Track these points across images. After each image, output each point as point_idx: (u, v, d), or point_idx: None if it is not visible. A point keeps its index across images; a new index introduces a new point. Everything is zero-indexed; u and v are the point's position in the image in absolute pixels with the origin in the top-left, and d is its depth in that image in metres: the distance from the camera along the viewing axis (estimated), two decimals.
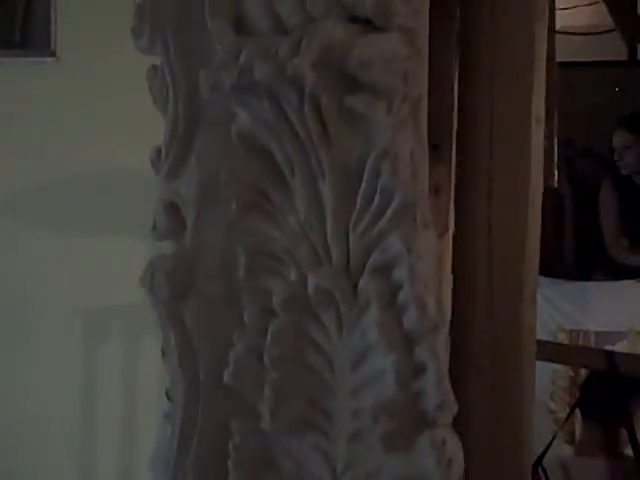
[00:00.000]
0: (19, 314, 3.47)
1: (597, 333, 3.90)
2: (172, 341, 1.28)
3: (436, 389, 1.06)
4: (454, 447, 1.06)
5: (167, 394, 1.34)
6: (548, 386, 3.75)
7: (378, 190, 1.08)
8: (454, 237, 1.27)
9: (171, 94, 1.27)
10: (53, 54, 3.29)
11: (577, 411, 2.97)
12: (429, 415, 1.07)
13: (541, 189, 1.32)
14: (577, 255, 4.43)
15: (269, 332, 1.19)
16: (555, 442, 2.94)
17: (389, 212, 1.07)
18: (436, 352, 1.06)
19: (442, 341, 1.06)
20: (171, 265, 1.27)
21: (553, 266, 4.02)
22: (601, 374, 2.60)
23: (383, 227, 1.09)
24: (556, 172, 4.47)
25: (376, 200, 1.08)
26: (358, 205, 1.10)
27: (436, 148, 1.25)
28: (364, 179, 1.09)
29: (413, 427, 1.07)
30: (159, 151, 1.31)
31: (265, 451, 1.20)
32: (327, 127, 1.09)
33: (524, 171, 1.28)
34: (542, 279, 3.79)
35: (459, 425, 1.10)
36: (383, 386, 1.09)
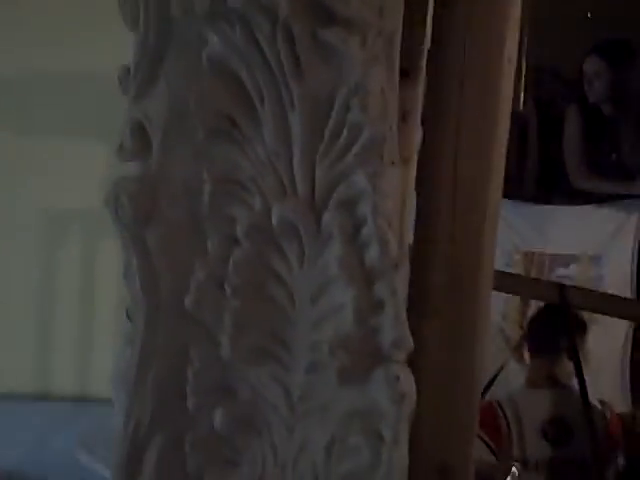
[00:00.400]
0: None
1: (551, 256, 3.95)
2: (134, 264, 1.28)
3: (393, 326, 1.07)
4: (407, 383, 1.08)
5: (127, 314, 1.34)
6: (500, 306, 3.81)
7: (346, 125, 1.07)
8: (419, 161, 1.27)
9: (142, 13, 1.23)
10: None
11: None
12: (384, 351, 1.08)
13: (507, 125, 1.32)
14: (538, 178, 4.45)
15: (231, 260, 1.19)
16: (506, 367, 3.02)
17: (356, 148, 1.07)
18: (395, 289, 1.07)
19: (402, 279, 1.08)
20: (135, 187, 1.26)
21: (514, 188, 4.04)
22: (549, 309, 2.65)
23: (349, 162, 1.08)
24: (522, 94, 4.46)
25: (344, 135, 1.08)
26: (326, 138, 1.09)
27: (405, 74, 1.24)
28: (333, 113, 1.08)
29: (368, 362, 1.09)
30: (127, 70, 1.29)
31: (223, 378, 1.21)
32: (299, 58, 1.07)
33: (492, 106, 1.28)
34: (502, 200, 3.81)
35: (414, 362, 1.12)
36: (341, 320, 1.10)
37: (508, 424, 2.56)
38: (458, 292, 1.20)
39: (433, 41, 1.31)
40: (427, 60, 1.31)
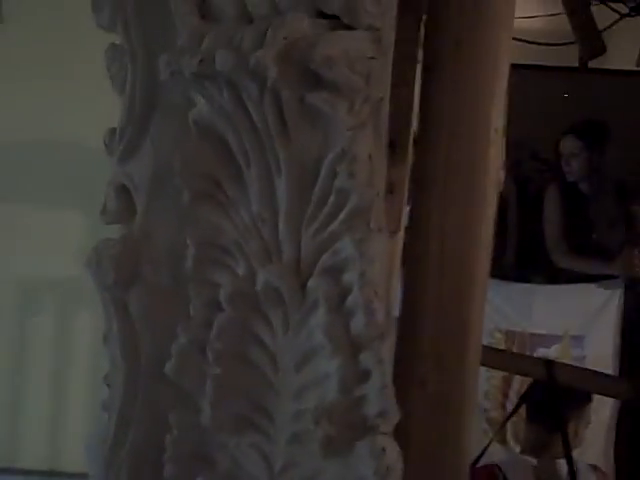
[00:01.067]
0: None
1: (533, 335, 3.93)
2: (115, 327, 1.25)
3: (379, 396, 1.05)
4: (393, 455, 1.05)
5: (106, 380, 1.31)
6: (482, 384, 3.78)
7: (333, 191, 1.06)
8: (407, 235, 1.27)
9: (129, 75, 1.23)
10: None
11: (516, 413, 3.01)
12: (370, 422, 1.06)
13: (495, 198, 1.32)
14: (518, 257, 4.46)
15: (214, 326, 1.17)
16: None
17: (343, 214, 1.06)
18: (381, 359, 1.05)
19: (388, 349, 1.06)
20: (118, 250, 1.24)
21: (493, 266, 4.06)
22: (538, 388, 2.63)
23: (336, 229, 1.07)
24: (502, 173, 4.50)
25: (331, 201, 1.07)
26: (312, 204, 1.08)
27: (393, 146, 1.24)
28: (320, 179, 1.07)
29: (353, 433, 1.06)
30: (113, 132, 1.28)
31: (202, 447, 1.18)
32: (286, 122, 1.07)
33: (480, 179, 1.28)
34: None
35: (401, 435, 1.10)
36: (326, 390, 1.08)
37: None
38: (446, 362, 1.18)
39: (421, 112, 1.31)
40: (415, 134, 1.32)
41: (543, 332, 3.92)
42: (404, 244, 1.28)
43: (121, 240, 1.26)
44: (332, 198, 1.07)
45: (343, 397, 1.06)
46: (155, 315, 1.23)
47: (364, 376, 1.06)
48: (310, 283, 1.10)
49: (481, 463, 2.56)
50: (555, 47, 4.79)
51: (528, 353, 3.86)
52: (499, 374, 3.86)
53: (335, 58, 1.02)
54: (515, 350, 3.91)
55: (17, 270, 3.37)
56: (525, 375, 2.80)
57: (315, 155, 1.08)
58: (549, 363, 2.37)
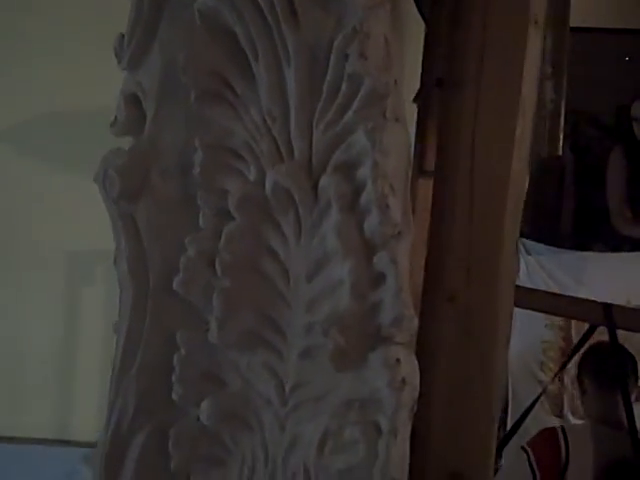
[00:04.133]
0: (9, 250, 3.39)
1: None
2: (122, 243, 1.18)
3: (394, 301, 0.94)
4: (409, 367, 0.94)
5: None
6: (538, 356, 3.65)
7: (345, 77, 0.96)
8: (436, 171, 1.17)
9: None
10: None
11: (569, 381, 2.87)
12: (384, 330, 0.95)
13: (525, 171, 1.20)
14: (576, 224, 4.32)
15: (223, 235, 1.08)
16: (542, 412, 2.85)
17: (356, 103, 0.96)
18: (397, 261, 0.95)
19: (405, 249, 0.95)
20: (125, 160, 1.17)
21: (551, 234, 3.91)
22: (599, 346, 2.49)
23: (349, 120, 0.97)
24: (561, 140, 4.36)
25: (343, 89, 0.96)
26: (324, 95, 0.98)
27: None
28: (330, 63, 0.97)
29: (366, 343, 0.96)
30: (122, 38, 1.21)
31: (211, 366, 1.09)
32: (295, 5, 0.97)
33: (508, 146, 1.15)
34: (540, 246, 3.67)
35: (427, 354, 1.00)
36: (339, 299, 0.98)
37: (568, 454, 2.39)
38: (477, 275, 1.08)
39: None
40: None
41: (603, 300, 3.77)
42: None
43: (129, 150, 1.18)
44: (344, 85, 0.97)
45: (355, 304, 0.96)
46: (164, 228, 1.15)
47: (378, 280, 0.96)
48: (322, 182, 1.01)
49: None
50: (615, 7, 4.62)
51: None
52: (555, 345, 3.73)
53: None
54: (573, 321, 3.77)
55: (67, 241, 3.34)
56: (582, 320, 2.66)
57: (327, 40, 0.98)
58: (608, 306, 2.23)
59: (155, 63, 1.16)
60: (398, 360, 0.95)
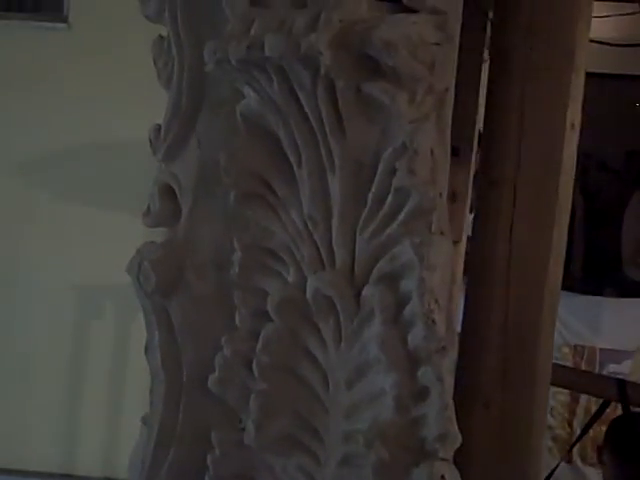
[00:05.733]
0: (19, 284, 3.38)
1: (602, 350, 3.78)
2: (156, 337, 1.17)
3: (438, 417, 0.94)
4: None
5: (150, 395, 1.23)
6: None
7: (392, 190, 0.96)
8: (471, 242, 1.16)
9: (176, 68, 1.15)
10: (65, 20, 3.20)
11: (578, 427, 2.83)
12: (428, 445, 0.95)
13: (569, 201, 1.20)
14: (586, 268, 4.32)
15: (261, 337, 1.07)
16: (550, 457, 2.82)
17: (402, 216, 0.96)
18: (442, 376, 0.94)
19: (449, 364, 0.95)
20: (160, 255, 1.16)
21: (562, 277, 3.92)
22: (619, 420, 2.47)
23: (394, 231, 0.97)
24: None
25: (389, 201, 0.97)
26: (369, 205, 0.98)
27: (456, 151, 1.14)
28: (377, 176, 0.97)
29: (409, 457, 0.95)
30: (158, 129, 1.21)
31: (246, 468, 1.09)
32: (341, 114, 0.97)
33: (553, 180, 1.16)
34: None
35: (462, 460, 0.99)
36: (380, 409, 0.98)
37: None
38: (512, 381, 1.07)
39: (487, 109, 1.21)
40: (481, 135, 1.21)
41: (614, 347, 3.76)
42: (467, 252, 1.18)
43: (164, 244, 1.17)
44: (390, 198, 0.97)
45: (399, 417, 0.96)
46: (198, 325, 1.14)
47: (422, 394, 0.96)
48: (365, 291, 1.00)
49: None
50: (627, 54, 4.62)
51: (597, 369, 3.70)
52: (565, 390, 3.71)
53: (395, 43, 0.92)
54: (584, 365, 3.76)
55: (77, 274, 3.33)
56: (596, 396, 2.65)
57: (372, 150, 0.98)
58: (622, 382, 2.22)
59: (192, 157, 1.16)
60: (443, 477, 0.94)
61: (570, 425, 3.62)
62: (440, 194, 0.96)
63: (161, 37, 1.21)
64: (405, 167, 0.94)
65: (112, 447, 3.31)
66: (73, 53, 3.23)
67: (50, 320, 3.38)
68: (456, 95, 1.01)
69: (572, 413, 3.65)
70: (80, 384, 3.39)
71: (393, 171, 0.96)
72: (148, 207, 1.23)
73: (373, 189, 0.98)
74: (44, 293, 3.35)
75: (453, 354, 0.96)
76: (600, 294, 4.05)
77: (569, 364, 3.73)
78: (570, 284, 4.11)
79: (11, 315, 3.42)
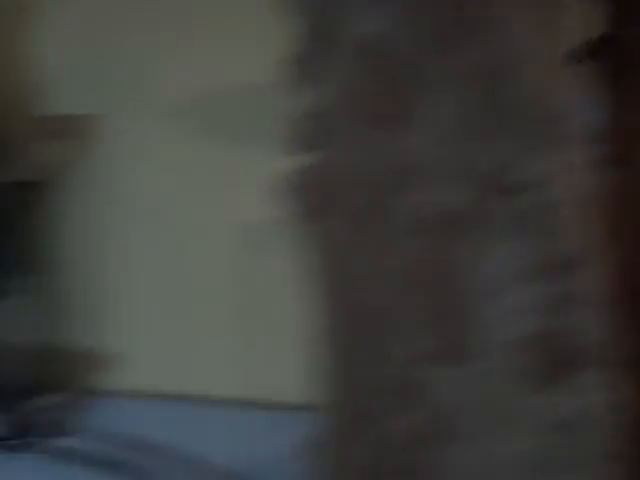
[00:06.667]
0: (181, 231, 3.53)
1: None
2: (309, 260, 1.20)
3: (584, 325, 0.91)
4: (609, 391, 0.91)
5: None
6: None
7: (522, 99, 0.93)
8: None
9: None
10: None
11: None
12: (576, 354, 0.93)
13: None
14: None
15: (409, 255, 1.08)
16: None
17: (533, 125, 0.93)
18: (586, 283, 0.91)
19: (594, 272, 0.91)
20: (309, 179, 1.19)
21: None
22: None
23: (527, 142, 0.94)
24: None
25: (520, 111, 0.93)
26: (501, 116, 0.95)
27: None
28: (504, 85, 0.94)
29: (559, 367, 0.94)
30: (297, 57, 1.22)
31: (411, 379, 1.10)
32: (465, 23, 0.94)
33: None
34: None
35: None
36: (527, 319, 0.96)
37: None
38: None
39: None
40: None
41: None
42: None
43: (312, 169, 1.20)
44: (521, 107, 0.93)
45: (546, 326, 0.94)
46: (351, 244, 1.16)
47: (570, 303, 0.93)
48: (508, 202, 0.98)
49: None
50: None
51: None
52: None
53: None
54: None
55: (234, 218, 3.43)
56: None
57: (499, 60, 0.94)
58: None
59: (331, 81, 1.16)
60: (593, 383, 0.91)
61: None
62: (571, 102, 0.92)
63: None
64: (530, 74, 0.90)
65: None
66: None
67: (212, 261, 3.50)
68: None
69: None
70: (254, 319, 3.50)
71: (519, 78, 0.91)
72: (293, 133, 1.25)
73: (503, 98, 0.94)
74: (204, 230, 3.47)
75: (607, 257, 0.92)
76: None
77: None
78: None
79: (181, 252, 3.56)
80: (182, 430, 3.38)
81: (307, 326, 1.24)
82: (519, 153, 0.95)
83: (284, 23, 1.17)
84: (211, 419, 3.46)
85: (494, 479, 1.00)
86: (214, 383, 3.60)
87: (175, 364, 3.71)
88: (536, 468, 0.99)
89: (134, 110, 3.51)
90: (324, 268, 1.19)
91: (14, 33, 3.64)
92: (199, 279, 3.58)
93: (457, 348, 1.06)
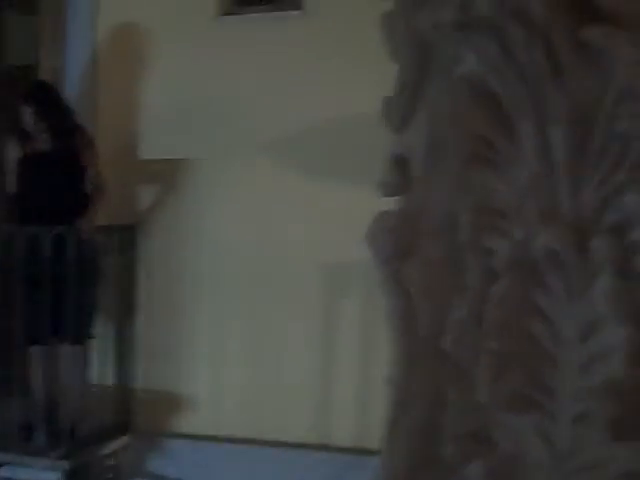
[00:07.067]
0: (265, 263, 3.55)
1: None
2: (393, 302, 1.21)
3: None
4: None
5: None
6: None
7: (615, 136, 0.93)
8: None
9: (401, 39, 1.19)
10: (299, 7, 3.36)
11: None
12: None
13: None
14: None
15: (490, 296, 1.08)
16: None
17: (627, 163, 0.93)
18: None
19: None
20: (395, 222, 1.20)
21: None
22: None
23: (620, 180, 0.94)
24: None
25: (612, 149, 0.94)
26: (592, 154, 0.96)
27: None
28: (599, 123, 0.94)
29: None
30: (389, 101, 1.24)
31: (481, 426, 1.09)
32: (559, 63, 0.95)
33: None
34: None
35: None
36: (613, 364, 0.95)
37: None
38: None
39: None
40: None
41: None
42: None
43: (398, 212, 1.21)
44: (614, 145, 0.94)
45: (632, 372, 0.93)
46: (431, 288, 1.16)
47: None
48: (593, 244, 0.97)
49: None
50: None
51: None
52: None
53: None
54: None
55: (321, 254, 3.44)
56: None
57: (594, 98, 0.95)
58: None
59: (422, 126, 1.18)
60: None
61: None
62: None
63: (387, 12, 1.25)
64: (627, 112, 0.91)
65: (364, 420, 3.35)
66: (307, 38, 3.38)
67: (299, 299, 3.51)
68: None
69: None
70: (331, 358, 3.49)
71: (615, 117, 0.92)
72: (384, 179, 1.27)
73: (595, 137, 0.95)
74: (292, 272, 3.49)
75: None
76: None
77: None
78: None
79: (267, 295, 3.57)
80: (253, 475, 3.39)
81: (387, 370, 1.25)
82: (614, 192, 0.95)
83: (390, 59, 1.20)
84: (284, 463, 3.47)
85: None
86: (286, 428, 3.61)
87: (249, 409, 3.73)
88: None
89: (226, 154, 3.61)
90: (402, 313, 1.20)
91: (132, 82, 3.79)
92: (280, 327, 3.62)
93: (535, 394, 1.05)
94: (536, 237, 1.02)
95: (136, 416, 3.68)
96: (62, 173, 3.35)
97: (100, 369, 3.66)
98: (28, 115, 3.28)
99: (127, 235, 3.63)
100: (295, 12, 3.40)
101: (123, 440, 3.61)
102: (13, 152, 3.39)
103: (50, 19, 3.77)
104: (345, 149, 3.33)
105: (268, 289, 3.55)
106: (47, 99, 3.34)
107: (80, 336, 3.36)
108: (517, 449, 1.06)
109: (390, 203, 1.29)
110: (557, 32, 0.94)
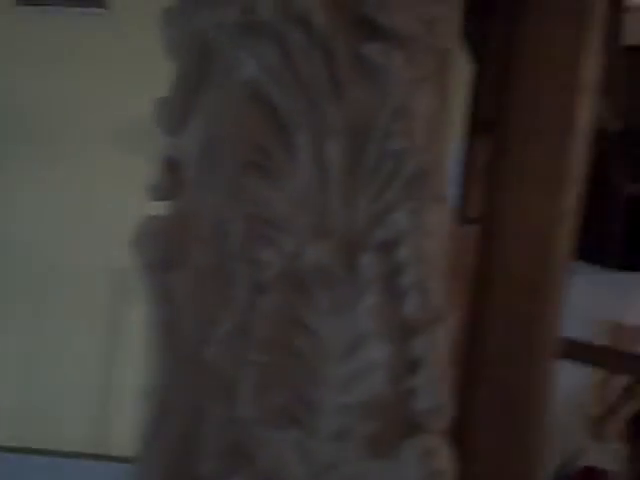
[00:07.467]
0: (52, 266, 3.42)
1: (635, 328, 3.68)
2: (155, 309, 1.15)
3: (430, 388, 0.91)
4: (444, 458, 0.91)
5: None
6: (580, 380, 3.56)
7: (388, 154, 0.94)
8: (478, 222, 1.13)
9: (179, 37, 1.14)
10: (102, 5, 3.26)
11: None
12: (419, 418, 0.92)
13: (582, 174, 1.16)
14: (629, 243, 4.20)
15: (257, 309, 1.05)
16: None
17: (398, 181, 0.93)
18: (436, 345, 0.91)
19: (444, 334, 0.92)
20: (161, 227, 1.15)
21: (597, 253, 3.81)
22: None
23: (390, 198, 0.94)
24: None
25: (385, 166, 0.94)
26: (365, 171, 0.96)
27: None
28: (373, 140, 0.95)
29: (400, 431, 0.92)
30: (163, 102, 1.19)
31: (242, 442, 1.06)
32: (338, 77, 0.95)
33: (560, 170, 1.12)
34: (584, 266, 3.52)
35: (466, 441, 0.96)
36: (374, 381, 0.95)
37: None
38: (513, 358, 1.03)
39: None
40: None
41: None
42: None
43: (166, 217, 1.16)
44: (386, 162, 0.94)
45: (391, 389, 0.93)
46: (199, 298, 1.12)
47: (416, 365, 0.93)
48: (362, 260, 0.97)
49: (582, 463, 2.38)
50: None
51: (634, 347, 3.60)
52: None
53: (391, 1, 0.90)
54: (619, 344, 3.65)
55: (110, 260, 3.36)
56: (628, 373, 2.58)
57: (370, 115, 0.95)
58: None
59: (198, 128, 1.14)
60: (431, 451, 0.90)
61: (605, 403, 3.54)
62: (438, 159, 0.93)
63: (168, 9, 1.20)
64: (401, 130, 0.91)
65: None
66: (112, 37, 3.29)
67: (86, 303, 3.41)
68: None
69: (604, 390, 3.57)
70: (115, 365, 3.42)
71: (389, 135, 0.93)
72: (153, 181, 1.21)
73: (369, 154, 0.95)
74: (77, 276, 3.39)
75: (449, 324, 0.93)
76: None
77: (604, 342, 3.63)
78: (608, 260, 3.99)
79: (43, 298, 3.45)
80: None
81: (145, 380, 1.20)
82: (384, 210, 0.95)
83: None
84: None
85: None
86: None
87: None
88: None
89: None
90: (165, 323, 1.15)
91: None
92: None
93: (297, 410, 1.04)
94: (306, 251, 1.01)
95: None
96: None
97: None
98: None
99: None
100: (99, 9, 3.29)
101: None
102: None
103: None
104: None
105: (55, 291, 3.41)
106: None
107: None
108: (276, 465, 1.04)
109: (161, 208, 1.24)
110: (338, 45, 0.93)
